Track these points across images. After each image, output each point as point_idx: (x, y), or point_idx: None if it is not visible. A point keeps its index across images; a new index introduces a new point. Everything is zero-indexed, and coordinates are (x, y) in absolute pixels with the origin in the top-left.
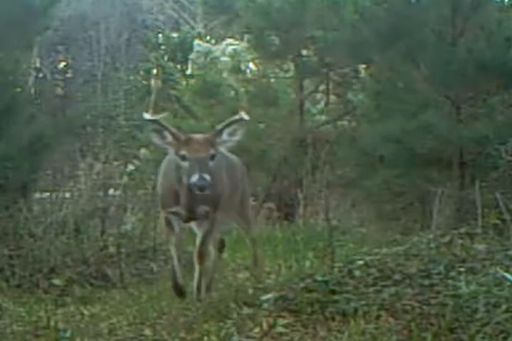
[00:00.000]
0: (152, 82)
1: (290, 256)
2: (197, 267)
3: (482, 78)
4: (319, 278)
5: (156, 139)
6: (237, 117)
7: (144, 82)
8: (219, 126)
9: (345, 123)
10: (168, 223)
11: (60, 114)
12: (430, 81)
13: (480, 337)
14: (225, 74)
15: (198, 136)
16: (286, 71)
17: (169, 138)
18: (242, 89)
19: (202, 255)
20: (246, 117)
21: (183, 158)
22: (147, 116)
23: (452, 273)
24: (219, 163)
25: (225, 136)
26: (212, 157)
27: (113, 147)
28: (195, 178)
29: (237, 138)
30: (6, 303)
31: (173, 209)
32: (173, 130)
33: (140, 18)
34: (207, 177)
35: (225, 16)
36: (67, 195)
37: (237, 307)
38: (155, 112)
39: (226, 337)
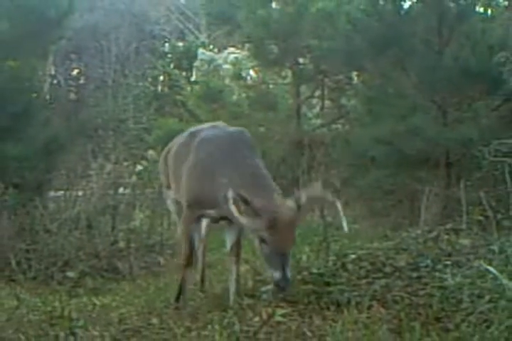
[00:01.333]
0: None
1: None
2: (234, 268)
3: (467, 84)
4: (315, 271)
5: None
6: (315, 194)
7: (152, 88)
8: (302, 202)
9: (339, 126)
10: (194, 221)
11: (74, 118)
12: (418, 87)
13: (465, 326)
14: (227, 81)
15: (288, 218)
16: (284, 78)
17: (249, 213)
18: (243, 95)
19: (239, 255)
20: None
21: (264, 241)
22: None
23: (439, 266)
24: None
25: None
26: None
27: (123, 148)
28: (278, 276)
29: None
30: (23, 294)
31: (206, 212)
32: (257, 205)
33: (148, 29)
34: (290, 276)
35: (227, 27)
36: (80, 193)
37: (238, 298)
38: None
39: (228, 326)
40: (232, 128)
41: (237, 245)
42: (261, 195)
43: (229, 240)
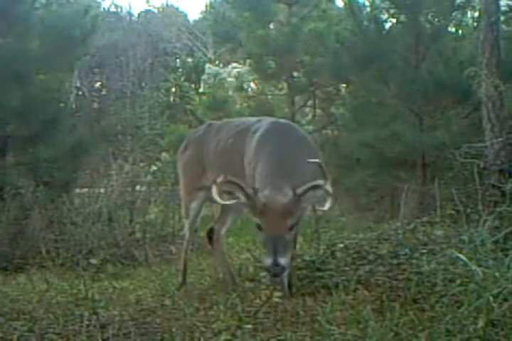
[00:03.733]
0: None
1: None
2: None
3: (440, 95)
4: (307, 258)
5: (226, 201)
6: (315, 183)
7: (165, 98)
8: (299, 191)
9: (329, 131)
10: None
11: (96, 125)
12: (398, 97)
13: (439, 307)
14: (230, 92)
15: (276, 204)
16: (281, 89)
17: (242, 198)
18: (245, 104)
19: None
20: (328, 189)
21: (259, 227)
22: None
23: (416, 254)
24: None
25: (304, 201)
26: (291, 228)
27: (139, 151)
28: (268, 262)
29: (318, 195)
30: (52, 279)
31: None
32: (248, 190)
33: (161, 46)
34: (282, 261)
35: (230, 45)
36: (102, 190)
37: (241, 282)
38: None
39: (232, 306)
40: (281, 120)
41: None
42: (274, 181)
43: None
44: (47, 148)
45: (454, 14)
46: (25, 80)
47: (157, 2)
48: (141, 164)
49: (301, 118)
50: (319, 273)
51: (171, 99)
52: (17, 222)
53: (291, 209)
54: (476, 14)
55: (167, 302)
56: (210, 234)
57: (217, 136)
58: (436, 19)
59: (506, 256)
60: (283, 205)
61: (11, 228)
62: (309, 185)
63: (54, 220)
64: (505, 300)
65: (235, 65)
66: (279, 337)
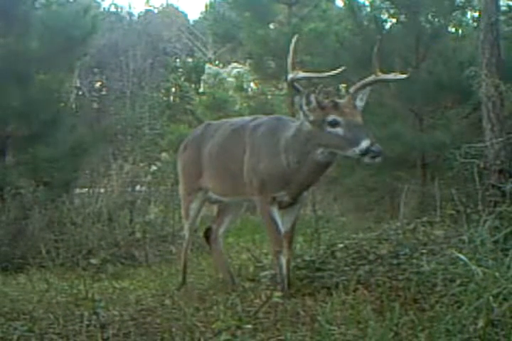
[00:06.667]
0: None
1: None
2: (287, 252)
3: (440, 95)
4: (307, 258)
5: (300, 101)
6: (371, 79)
7: (165, 98)
8: (352, 89)
9: None
10: (270, 211)
11: (96, 125)
12: (398, 97)
13: (438, 306)
14: (230, 92)
15: (344, 101)
16: (281, 89)
17: (314, 103)
18: (245, 104)
19: (292, 239)
20: (389, 76)
21: (334, 124)
22: (298, 74)
23: (416, 254)
24: None
25: (357, 101)
26: None
27: (139, 151)
28: (366, 143)
29: (362, 104)
30: (52, 279)
31: (278, 194)
32: (318, 97)
33: (161, 46)
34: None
35: (230, 45)
36: (102, 190)
37: (241, 282)
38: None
39: (232, 306)
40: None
41: (292, 230)
42: None
43: (284, 225)
44: (47, 148)
45: (454, 14)
46: (26, 80)
47: (157, 2)
48: (141, 164)
49: None
50: (319, 273)
51: (171, 99)
52: (17, 222)
53: (356, 106)
54: (476, 14)
55: (167, 302)
56: (208, 234)
57: (213, 137)
58: (436, 19)
59: (506, 256)
60: (349, 101)
61: (11, 228)
62: (361, 83)
63: (54, 220)
64: (505, 300)
65: (235, 65)
66: (279, 337)
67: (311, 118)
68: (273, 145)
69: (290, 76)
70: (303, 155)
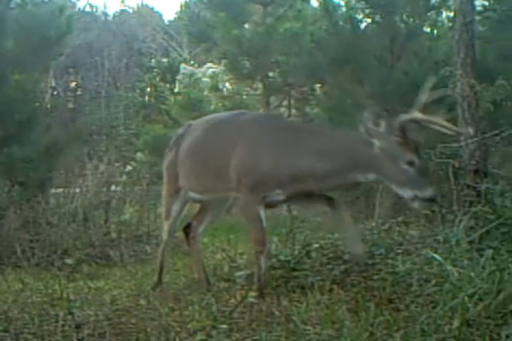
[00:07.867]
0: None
1: None
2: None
3: (415, 95)
4: (282, 258)
5: (368, 119)
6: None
7: (140, 98)
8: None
9: None
10: (257, 210)
11: (71, 124)
12: (373, 97)
13: (414, 306)
14: (205, 92)
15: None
16: (256, 89)
17: (384, 128)
18: (220, 104)
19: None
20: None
21: (411, 163)
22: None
23: (391, 254)
24: None
25: None
26: None
27: (114, 151)
28: (431, 192)
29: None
30: (27, 279)
31: (271, 193)
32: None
33: (136, 46)
34: None
35: (205, 45)
36: (77, 190)
37: (216, 282)
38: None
39: (207, 306)
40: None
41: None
42: None
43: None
44: (22, 148)
45: (429, 14)
46: (0, 80)
47: (132, 2)
48: (116, 164)
49: None
50: (294, 273)
51: (146, 99)
52: None
53: None
54: (451, 14)
55: (142, 302)
56: (187, 231)
57: (191, 134)
58: (411, 19)
59: (481, 256)
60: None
61: None
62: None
63: (29, 220)
64: (480, 300)
65: (210, 64)
66: (254, 337)
67: (379, 144)
68: (292, 145)
69: (413, 116)
70: (342, 167)
